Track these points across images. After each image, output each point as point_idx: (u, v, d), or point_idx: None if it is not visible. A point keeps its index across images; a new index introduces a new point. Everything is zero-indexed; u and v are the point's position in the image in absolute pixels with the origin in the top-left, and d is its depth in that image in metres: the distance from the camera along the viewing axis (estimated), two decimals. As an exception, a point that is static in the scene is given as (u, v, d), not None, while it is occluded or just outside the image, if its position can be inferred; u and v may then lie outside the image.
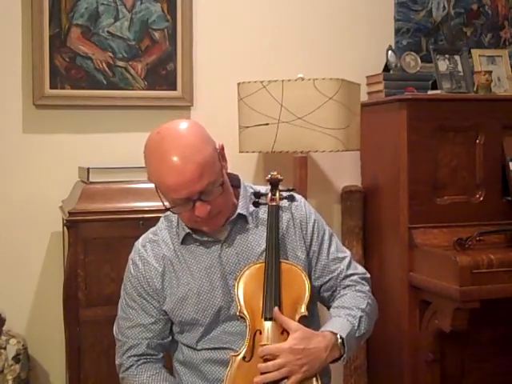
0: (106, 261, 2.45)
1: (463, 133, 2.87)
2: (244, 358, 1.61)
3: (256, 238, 1.77)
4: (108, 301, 2.37)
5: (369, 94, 3.17)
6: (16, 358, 2.58)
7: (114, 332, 1.83)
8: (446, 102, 2.88)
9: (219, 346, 1.73)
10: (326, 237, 1.84)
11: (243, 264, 1.74)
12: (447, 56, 3.10)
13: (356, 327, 1.70)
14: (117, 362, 1.81)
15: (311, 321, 1.75)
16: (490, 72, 3.06)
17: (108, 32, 2.87)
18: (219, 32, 3.04)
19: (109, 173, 2.59)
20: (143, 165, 1.67)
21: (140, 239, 1.84)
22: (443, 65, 3.08)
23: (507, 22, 3.45)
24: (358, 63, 3.16)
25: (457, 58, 3.12)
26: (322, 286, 1.82)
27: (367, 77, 3.15)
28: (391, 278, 2.93)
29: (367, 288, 1.84)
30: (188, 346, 1.77)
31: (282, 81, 2.63)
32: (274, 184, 1.82)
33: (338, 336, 1.64)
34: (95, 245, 2.45)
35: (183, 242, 1.77)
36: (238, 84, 2.78)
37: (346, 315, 1.71)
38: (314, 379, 1.60)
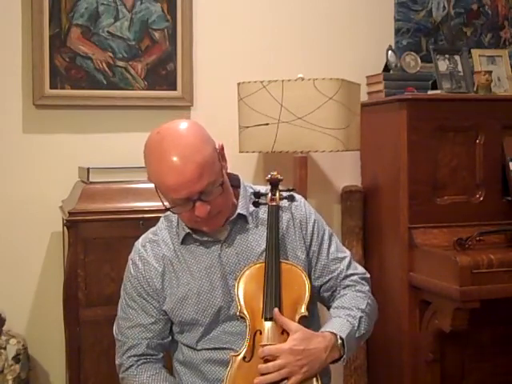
0: (105, 261, 2.45)
1: (463, 133, 2.87)
2: (244, 358, 1.61)
3: (256, 238, 1.77)
4: (108, 301, 2.37)
5: (369, 94, 3.17)
6: (16, 358, 2.58)
7: (114, 332, 1.83)
8: (446, 102, 2.88)
9: (219, 346, 1.73)
10: (326, 237, 1.84)
11: (243, 264, 1.74)
12: (447, 56, 3.10)
13: (356, 328, 1.70)
14: (117, 362, 1.81)
15: (311, 321, 1.75)
16: (490, 72, 3.06)
17: (108, 32, 2.87)
18: (219, 32, 3.04)
19: (109, 173, 2.59)
20: (143, 165, 1.67)
21: (140, 239, 1.84)
22: (443, 65, 3.08)
23: (507, 22, 3.45)
24: (358, 63, 3.16)
25: (457, 57, 3.12)
26: (321, 286, 1.82)
27: (367, 77, 3.15)
28: (391, 278, 2.93)
29: (367, 288, 1.84)
30: (188, 346, 1.77)
31: (282, 81, 2.63)
32: (274, 184, 1.82)
33: (338, 337, 1.64)
34: (95, 245, 2.45)
35: (183, 242, 1.77)
36: (238, 84, 2.78)
37: (346, 315, 1.71)
38: (315, 379, 1.60)
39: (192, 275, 1.75)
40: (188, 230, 1.76)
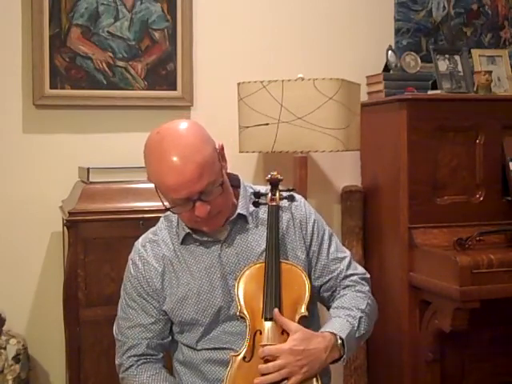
0: (105, 261, 2.45)
1: (463, 133, 2.87)
2: (244, 358, 1.61)
3: (256, 238, 1.77)
4: (108, 301, 2.37)
5: (369, 94, 3.17)
6: (16, 358, 2.58)
7: (114, 332, 1.83)
8: (446, 102, 2.88)
9: (219, 346, 1.73)
10: (326, 237, 1.84)
11: (243, 264, 1.74)
12: (447, 56, 3.10)
13: (356, 328, 1.70)
14: (117, 362, 1.81)
15: (311, 321, 1.75)
16: (490, 72, 3.06)
17: (108, 32, 2.87)
18: (219, 32, 3.04)
19: (109, 173, 2.59)
20: (143, 165, 1.67)
21: (140, 239, 1.84)
22: (443, 65, 3.08)
23: (507, 22, 3.45)
24: (358, 63, 3.16)
25: (457, 57, 3.12)
26: (321, 286, 1.82)
27: (367, 77, 3.15)
28: (391, 278, 2.93)
29: (367, 288, 1.84)
30: (188, 346, 1.77)
31: (282, 81, 2.63)
32: (274, 184, 1.82)
33: (338, 337, 1.64)
34: (95, 245, 2.45)
35: (183, 242, 1.77)
36: (238, 84, 2.78)
37: (346, 316, 1.71)
38: (315, 379, 1.60)
39: (192, 275, 1.75)
40: (188, 230, 1.76)
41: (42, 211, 2.82)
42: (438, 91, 3.00)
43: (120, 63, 2.89)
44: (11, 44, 2.80)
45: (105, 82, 2.88)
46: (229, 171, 1.76)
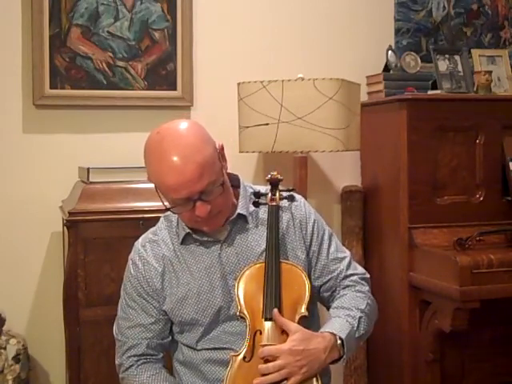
0: (106, 261, 2.45)
1: (463, 133, 2.87)
2: (244, 358, 1.61)
3: (256, 238, 1.77)
4: (108, 301, 2.37)
5: (369, 94, 3.17)
6: (16, 358, 2.58)
7: (114, 332, 1.83)
8: (446, 102, 2.88)
9: (219, 346, 1.73)
10: (326, 237, 1.84)
11: (243, 264, 1.74)
12: (447, 56, 3.10)
13: (355, 328, 1.70)
14: (117, 362, 1.81)
15: (311, 321, 1.75)
16: (490, 72, 3.06)
17: (108, 32, 2.87)
18: (219, 32, 3.04)
19: (109, 173, 2.59)
20: (143, 165, 1.67)
21: (140, 239, 1.84)
22: (443, 65, 3.08)
23: (507, 22, 3.45)
24: (358, 63, 3.16)
25: (457, 58, 3.12)
26: (321, 286, 1.82)
27: (367, 77, 3.15)
28: (391, 278, 2.93)
29: (367, 288, 1.84)
30: (188, 346, 1.77)
31: (282, 81, 2.63)
32: (274, 184, 1.82)
33: (338, 337, 1.64)
34: (95, 245, 2.45)
35: (183, 241, 1.77)
36: (238, 84, 2.77)
37: (346, 316, 1.71)
38: (315, 379, 1.60)
39: (192, 275, 1.75)
40: (188, 230, 1.76)
41: (42, 211, 2.82)
42: (438, 91, 3.00)
43: (120, 63, 2.89)
44: (11, 44, 2.80)
45: (105, 82, 2.88)
46: (229, 171, 1.75)
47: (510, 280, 2.55)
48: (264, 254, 1.72)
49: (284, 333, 1.62)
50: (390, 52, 3.09)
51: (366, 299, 1.80)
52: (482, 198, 2.89)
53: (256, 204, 1.80)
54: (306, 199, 1.92)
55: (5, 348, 2.57)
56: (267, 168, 3.02)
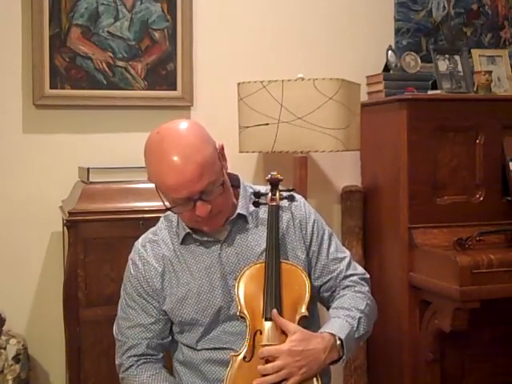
0: (105, 261, 2.45)
1: (463, 133, 2.87)
2: (244, 357, 1.61)
3: (256, 238, 1.77)
4: (108, 301, 2.37)
5: (369, 94, 3.17)
6: (16, 358, 2.58)
7: (114, 332, 1.83)
8: (446, 102, 2.88)
9: (219, 346, 1.73)
10: (326, 237, 1.84)
11: (243, 264, 1.74)
12: (447, 56, 3.10)
13: (355, 328, 1.70)
14: (117, 362, 1.81)
15: (311, 321, 1.75)
16: (490, 72, 3.06)
17: (108, 32, 2.87)
18: (219, 32, 3.04)
19: (109, 173, 2.59)
20: (143, 165, 1.67)
21: (140, 239, 1.84)
22: (443, 65, 3.08)
23: (507, 22, 3.45)
24: (358, 63, 3.16)
25: (457, 58, 3.12)
26: (321, 286, 1.82)
27: (367, 77, 3.15)
28: (391, 278, 2.93)
29: (366, 289, 1.84)
30: (188, 346, 1.77)
31: (282, 81, 2.63)
32: (274, 184, 1.82)
33: (337, 337, 1.64)
34: (95, 245, 2.45)
35: (183, 241, 1.77)
36: (238, 84, 2.77)
37: (345, 316, 1.71)
38: (315, 379, 1.60)
39: (192, 275, 1.75)
40: (188, 230, 1.76)
41: (42, 211, 2.82)
42: (438, 91, 3.00)
43: (120, 63, 2.89)
44: (11, 44, 2.80)
45: (105, 82, 2.88)
46: (229, 171, 1.75)
47: (510, 280, 2.55)
48: (264, 254, 1.72)
49: (284, 333, 1.62)
50: (389, 52, 3.09)
51: (366, 299, 1.80)
52: (482, 198, 2.89)
53: (256, 204, 1.80)
54: (306, 199, 1.92)
55: (5, 348, 2.57)
56: (267, 168, 3.02)
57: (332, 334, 1.65)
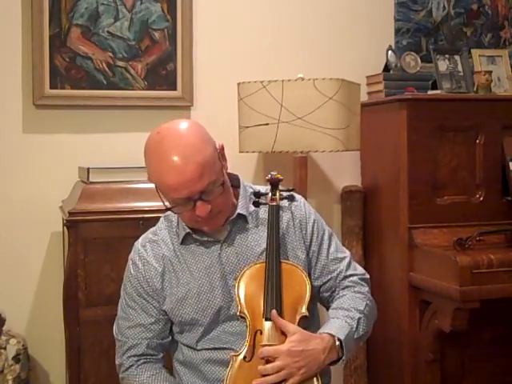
0: (106, 261, 2.45)
1: (463, 133, 2.87)
2: (244, 357, 1.61)
3: (256, 238, 1.77)
4: (108, 301, 2.37)
5: (369, 94, 3.17)
6: (16, 358, 2.58)
7: (114, 332, 1.83)
8: (446, 102, 2.88)
9: (219, 346, 1.73)
10: (326, 237, 1.84)
11: (243, 264, 1.74)
12: (447, 56, 3.10)
13: (354, 329, 1.70)
14: (117, 362, 1.81)
15: (311, 321, 1.75)
16: (490, 72, 3.06)
17: (108, 32, 2.87)
18: (219, 32, 3.04)
19: (109, 173, 2.59)
20: (143, 165, 1.67)
21: (140, 239, 1.84)
22: (443, 65, 3.08)
23: (507, 22, 3.45)
24: (358, 63, 3.16)
25: (457, 57, 3.12)
26: (321, 286, 1.82)
27: (367, 77, 3.15)
28: (391, 278, 2.93)
29: (366, 289, 1.84)
30: (188, 346, 1.77)
31: (282, 81, 2.63)
32: (274, 184, 1.82)
33: (336, 338, 1.64)
34: (95, 245, 2.45)
35: (183, 241, 1.77)
36: (238, 84, 2.78)
37: (345, 317, 1.71)
38: (315, 379, 1.60)
39: (192, 275, 1.75)
40: (188, 230, 1.76)
41: (42, 211, 2.82)
42: (438, 91, 3.00)
43: (120, 63, 2.89)
44: (11, 44, 2.80)
45: (105, 82, 2.88)
46: (229, 171, 1.75)
47: (510, 280, 2.55)
48: (264, 254, 1.72)
49: (284, 333, 1.61)
50: (390, 52, 3.09)
51: (366, 300, 1.80)
52: (482, 198, 2.89)
53: (256, 204, 1.80)
54: (306, 199, 1.92)
55: (5, 348, 2.57)
56: (267, 168, 3.02)
57: (331, 335, 1.65)
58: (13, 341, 2.60)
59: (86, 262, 2.44)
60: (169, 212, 1.76)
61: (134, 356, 1.77)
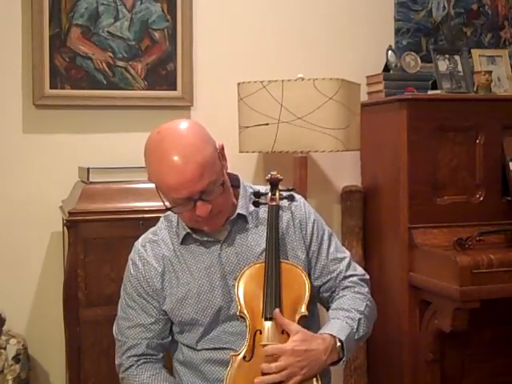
0: (106, 261, 2.45)
1: (463, 133, 2.87)
2: (244, 357, 1.61)
3: (256, 238, 1.77)
4: (108, 301, 2.37)
5: (369, 94, 3.17)
6: (16, 358, 2.58)
7: (114, 332, 1.83)
8: (446, 102, 2.88)
9: (219, 346, 1.73)
10: (326, 237, 1.84)
11: (243, 264, 1.74)
12: (447, 56, 3.10)
13: (355, 330, 1.70)
14: (116, 362, 1.81)
15: (311, 321, 1.75)
16: (490, 72, 3.06)
17: (108, 32, 2.87)
18: (219, 32, 3.04)
19: (109, 173, 2.59)
20: (143, 165, 1.67)
21: (140, 239, 1.84)
22: (443, 65, 3.09)
23: (507, 22, 3.45)
24: (358, 63, 3.16)
25: (457, 58, 3.12)
26: (321, 286, 1.82)
27: (367, 77, 3.15)
28: (391, 278, 2.93)
29: (366, 289, 1.84)
30: (188, 346, 1.77)
31: (282, 81, 2.63)
32: (274, 184, 1.82)
33: (337, 339, 1.64)
34: (95, 245, 2.45)
35: (183, 241, 1.77)
36: (238, 84, 2.78)
37: (345, 318, 1.71)
38: (315, 379, 1.60)
39: (192, 275, 1.75)
40: (188, 230, 1.76)
41: (42, 211, 2.82)
42: (438, 91, 3.00)
43: (120, 63, 2.89)
44: (11, 44, 2.80)
45: (105, 82, 2.88)
46: (229, 171, 1.75)
47: (510, 280, 2.55)
48: (264, 254, 1.72)
49: (284, 332, 1.62)
50: (390, 52, 3.09)
51: (366, 301, 1.80)
52: (482, 198, 2.89)
53: (256, 204, 1.80)
54: (306, 199, 1.92)
55: (5, 348, 2.57)
56: (267, 168, 3.02)
57: (332, 336, 1.65)
58: (13, 341, 2.60)
59: (86, 262, 2.44)
60: (169, 212, 1.76)
61: (134, 356, 1.77)
